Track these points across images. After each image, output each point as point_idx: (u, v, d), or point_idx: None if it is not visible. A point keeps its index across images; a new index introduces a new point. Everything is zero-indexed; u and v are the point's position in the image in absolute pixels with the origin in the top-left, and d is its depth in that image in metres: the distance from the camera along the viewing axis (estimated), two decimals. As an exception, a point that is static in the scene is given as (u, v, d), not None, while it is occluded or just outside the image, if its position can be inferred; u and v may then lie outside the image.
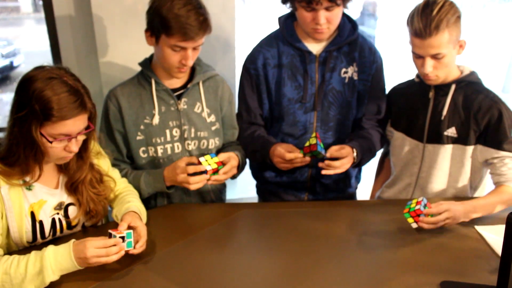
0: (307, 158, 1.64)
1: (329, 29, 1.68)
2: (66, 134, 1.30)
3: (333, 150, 1.65)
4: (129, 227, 1.38)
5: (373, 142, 1.82)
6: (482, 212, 1.57)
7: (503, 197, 1.62)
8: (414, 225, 1.51)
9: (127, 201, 1.54)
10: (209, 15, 1.58)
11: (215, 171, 1.60)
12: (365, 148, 1.76)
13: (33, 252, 1.28)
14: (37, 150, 1.30)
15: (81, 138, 1.36)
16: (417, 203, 1.50)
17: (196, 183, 1.59)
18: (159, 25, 1.54)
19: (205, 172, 1.58)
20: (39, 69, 1.30)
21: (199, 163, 1.59)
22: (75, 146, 1.34)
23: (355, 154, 1.69)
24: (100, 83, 2.16)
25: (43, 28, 2.16)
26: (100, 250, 1.26)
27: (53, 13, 2.10)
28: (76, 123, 1.30)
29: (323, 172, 1.64)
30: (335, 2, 1.58)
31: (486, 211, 1.58)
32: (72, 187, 1.46)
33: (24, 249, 1.41)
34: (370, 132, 1.84)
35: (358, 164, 1.77)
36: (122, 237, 1.31)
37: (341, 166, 1.64)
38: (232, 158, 1.67)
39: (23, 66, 6.90)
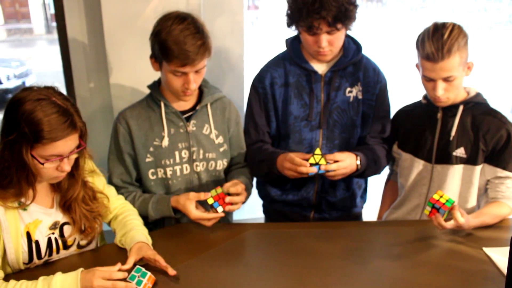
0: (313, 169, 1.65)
1: (332, 51, 1.71)
2: (57, 154, 1.29)
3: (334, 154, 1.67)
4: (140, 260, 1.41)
5: (378, 154, 1.83)
6: (481, 225, 1.64)
7: (500, 213, 1.69)
8: (426, 213, 1.53)
9: (130, 228, 1.54)
10: (209, 38, 1.59)
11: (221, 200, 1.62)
12: (369, 158, 1.77)
13: (41, 280, 1.28)
14: (29, 172, 1.29)
15: (73, 157, 1.36)
16: (444, 206, 1.49)
17: (211, 221, 1.63)
18: (159, 51, 1.57)
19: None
20: (27, 90, 1.28)
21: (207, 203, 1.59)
22: (67, 166, 1.33)
23: (358, 161, 1.71)
24: (111, 104, 2.19)
25: (55, 49, 2.20)
26: (107, 282, 1.26)
27: (67, 35, 2.14)
28: (67, 143, 1.29)
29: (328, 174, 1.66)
30: (335, 27, 1.61)
31: (484, 225, 1.65)
32: (65, 206, 1.45)
33: (19, 272, 1.40)
34: (374, 147, 1.86)
35: (362, 174, 1.78)
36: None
37: (338, 168, 1.65)
38: (237, 185, 1.67)
39: (35, 86, 6.99)
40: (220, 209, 1.61)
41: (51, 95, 1.29)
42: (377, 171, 1.88)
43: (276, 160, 1.74)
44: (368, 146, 1.86)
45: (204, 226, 1.63)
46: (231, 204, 1.63)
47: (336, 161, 1.66)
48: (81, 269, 1.29)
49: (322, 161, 1.61)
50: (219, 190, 1.61)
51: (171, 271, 1.37)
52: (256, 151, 1.85)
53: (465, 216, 1.53)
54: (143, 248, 1.44)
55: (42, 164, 1.28)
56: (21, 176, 1.30)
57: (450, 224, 1.50)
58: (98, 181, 1.59)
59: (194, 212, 1.61)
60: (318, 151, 1.60)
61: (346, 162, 1.67)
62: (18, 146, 1.25)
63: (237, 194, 1.65)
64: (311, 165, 1.61)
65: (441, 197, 1.51)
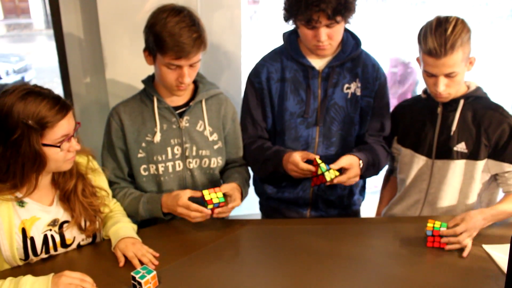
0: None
1: (331, 45, 1.68)
2: (65, 134, 1.35)
3: (342, 163, 1.63)
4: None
5: (379, 156, 1.80)
6: (496, 220, 1.63)
7: None
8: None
9: (116, 220, 1.58)
10: (204, 32, 1.57)
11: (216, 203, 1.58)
12: (370, 161, 1.75)
13: (9, 279, 1.28)
14: (39, 163, 1.34)
15: (76, 135, 1.42)
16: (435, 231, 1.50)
17: (197, 217, 1.57)
18: (153, 43, 1.55)
19: (206, 206, 1.56)
20: (5, 93, 1.31)
21: (202, 195, 1.56)
22: (76, 144, 1.40)
23: (361, 166, 1.68)
24: (107, 100, 2.17)
25: (54, 45, 2.19)
26: (74, 279, 1.27)
27: (62, 30, 2.13)
28: (69, 121, 1.36)
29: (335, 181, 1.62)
30: (334, 20, 1.58)
31: (499, 219, 1.64)
32: (65, 196, 1.48)
33: (17, 267, 1.42)
34: (374, 146, 1.83)
35: (360, 177, 1.75)
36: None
37: (348, 179, 1.63)
38: (235, 189, 1.65)
39: (34, 81, 6.98)
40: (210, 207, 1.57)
41: (32, 88, 1.34)
42: (376, 172, 1.85)
43: (282, 159, 1.71)
44: (368, 146, 1.82)
45: (200, 223, 1.61)
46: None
47: (341, 168, 1.63)
48: (52, 274, 1.30)
49: (323, 168, 1.57)
50: (219, 196, 1.57)
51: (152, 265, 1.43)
52: (258, 150, 1.82)
53: (462, 223, 1.52)
54: (130, 246, 1.47)
55: (59, 146, 1.35)
56: (30, 168, 1.34)
57: (462, 237, 1.49)
58: (99, 180, 1.61)
59: (183, 199, 1.57)
60: (318, 160, 1.57)
61: (353, 170, 1.64)
62: (26, 141, 1.29)
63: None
64: (316, 174, 1.58)
65: (434, 224, 1.50)
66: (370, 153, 1.77)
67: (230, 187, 1.64)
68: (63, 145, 1.36)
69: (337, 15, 1.57)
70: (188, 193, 1.60)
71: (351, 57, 1.76)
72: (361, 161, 1.68)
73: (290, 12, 1.66)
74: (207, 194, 1.56)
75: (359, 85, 1.79)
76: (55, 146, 1.34)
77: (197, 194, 1.60)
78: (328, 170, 1.57)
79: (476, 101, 1.71)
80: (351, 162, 1.64)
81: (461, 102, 1.70)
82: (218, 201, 1.56)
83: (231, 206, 1.59)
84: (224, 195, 1.59)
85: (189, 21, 1.53)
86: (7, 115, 1.28)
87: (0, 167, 1.34)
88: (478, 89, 1.73)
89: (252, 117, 1.84)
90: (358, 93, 1.80)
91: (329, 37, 1.64)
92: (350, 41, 1.78)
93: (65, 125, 1.34)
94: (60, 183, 1.47)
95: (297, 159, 1.63)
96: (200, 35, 1.55)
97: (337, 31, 1.65)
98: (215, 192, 1.57)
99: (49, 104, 1.31)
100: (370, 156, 1.75)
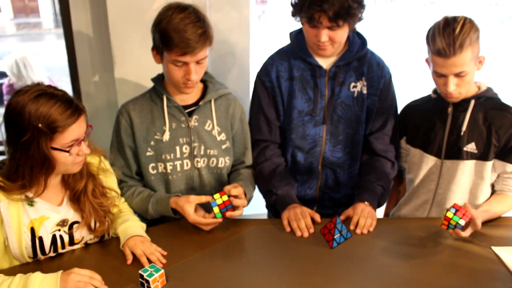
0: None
1: (333, 47, 1.68)
2: (75, 139, 1.34)
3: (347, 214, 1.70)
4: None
5: (387, 182, 1.83)
6: (486, 219, 1.61)
7: (507, 205, 1.71)
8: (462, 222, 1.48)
9: (126, 219, 1.58)
10: (210, 28, 1.57)
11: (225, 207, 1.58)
12: (379, 194, 1.78)
13: (18, 275, 1.29)
14: (48, 166, 1.34)
15: (86, 139, 1.41)
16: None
17: (209, 225, 1.61)
18: (159, 41, 1.55)
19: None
20: (19, 93, 1.30)
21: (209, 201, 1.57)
22: (86, 148, 1.39)
23: (373, 205, 1.73)
24: (116, 99, 2.18)
25: (63, 44, 2.19)
26: (83, 276, 1.28)
27: (72, 29, 2.14)
28: (80, 125, 1.35)
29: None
30: (336, 23, 1.57)
31: (488, 219, 1.63)
32: (75, 197, 1.48)
33: (26, 264, 1.44)
34: (377, 165, 1.84)
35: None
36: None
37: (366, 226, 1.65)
38: (238, 186, 1.64)
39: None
40: (219, 215, 1.57)
41: (45, 89, 1.32)
42: (388, 192, 1.86)
43: (285, 207, 1.73)
44: (370, 177, 1.82)
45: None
46: (233, 210, 1.60)
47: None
48: (61, 271, 1.30)
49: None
50: (224, 197, 1.57)
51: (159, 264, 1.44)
52: (268, 177, 1.82)
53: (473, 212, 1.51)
54: (140, 244, 1.47)
55: (68, 151, 1.33)
56: (38, 171, 1.34)
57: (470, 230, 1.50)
58: (110, 181, 1.61)
59: (193, 216, 1.57)
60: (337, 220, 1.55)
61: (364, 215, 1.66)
62: (35, 143, 1.29)
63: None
64: (333, 229, 1.55)
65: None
66: (376, 184, 1.79)
67: (233, 186, 1.64)
68: (72, 150, 1.35)
69: (339, 18, 1.56)
70: (193, 204, 1.59)
71: (358, 56, 1.76)
72: (367, 203, 1.72)
73: (295, 8, 1.66)
74: (217, 209, 1.56)
75: (365, 83, 1.79)
76: (64, 150, 1.33)
77: (202, 200, 1.59)
78: (341, 232, 1.56)
79: (487, 101, 1.70)
80: (356, 210, 1.69)
81: (472, 102, 1.69)
82: (222, 201, 1.57)
83: (238, 202, 1.59)
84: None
85: (194, 17, 1.54)
86: (18, 116, 1.28)
87: (10, 167, 1.35)
88: (489, 89, 1.72)
89: (266, 116, 1.84)
90: (365, 91, 1.80)
91: (331, 39, 1.63)
92: (357, 40, 1.78)
93: (75, 130, 1.33)
94: (70, 183, 1.48)
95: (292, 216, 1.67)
96: (206, 30, 1.55)
97: (339, 35, 1.64)
98: (221, 197, 1.57)
99: (61, 107, 1.29)
100: (376, 187, 1.78)
